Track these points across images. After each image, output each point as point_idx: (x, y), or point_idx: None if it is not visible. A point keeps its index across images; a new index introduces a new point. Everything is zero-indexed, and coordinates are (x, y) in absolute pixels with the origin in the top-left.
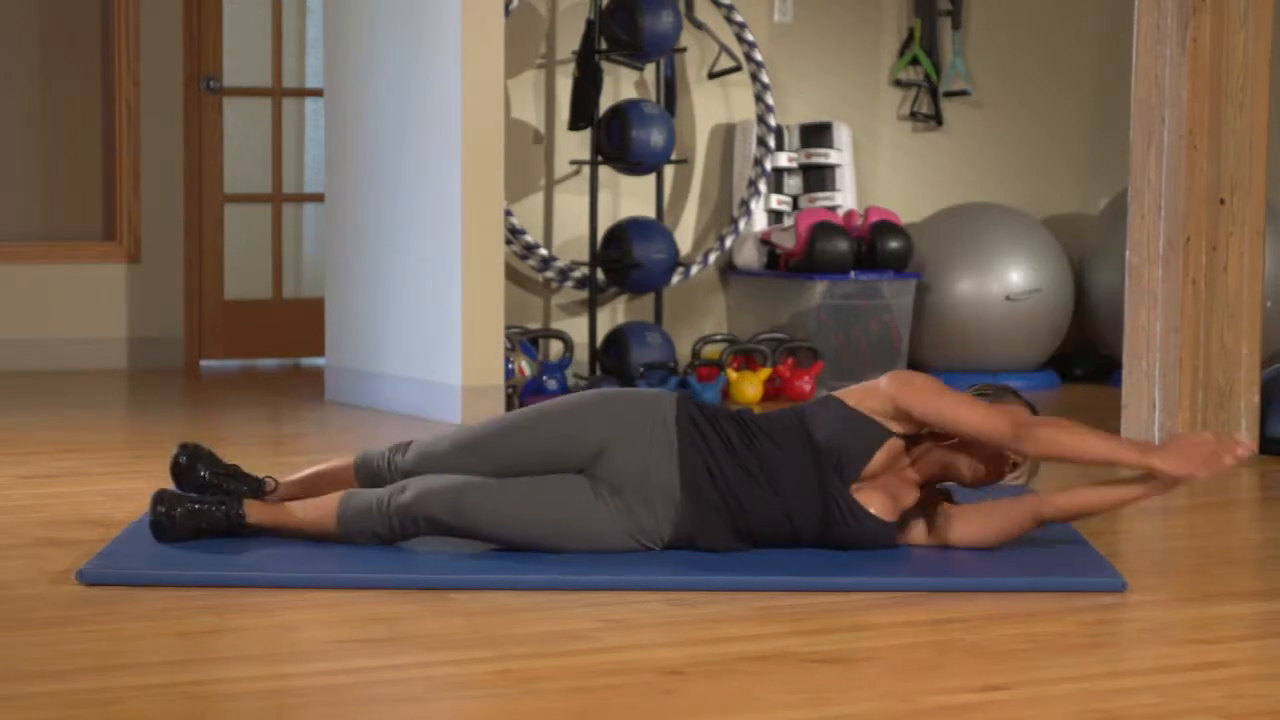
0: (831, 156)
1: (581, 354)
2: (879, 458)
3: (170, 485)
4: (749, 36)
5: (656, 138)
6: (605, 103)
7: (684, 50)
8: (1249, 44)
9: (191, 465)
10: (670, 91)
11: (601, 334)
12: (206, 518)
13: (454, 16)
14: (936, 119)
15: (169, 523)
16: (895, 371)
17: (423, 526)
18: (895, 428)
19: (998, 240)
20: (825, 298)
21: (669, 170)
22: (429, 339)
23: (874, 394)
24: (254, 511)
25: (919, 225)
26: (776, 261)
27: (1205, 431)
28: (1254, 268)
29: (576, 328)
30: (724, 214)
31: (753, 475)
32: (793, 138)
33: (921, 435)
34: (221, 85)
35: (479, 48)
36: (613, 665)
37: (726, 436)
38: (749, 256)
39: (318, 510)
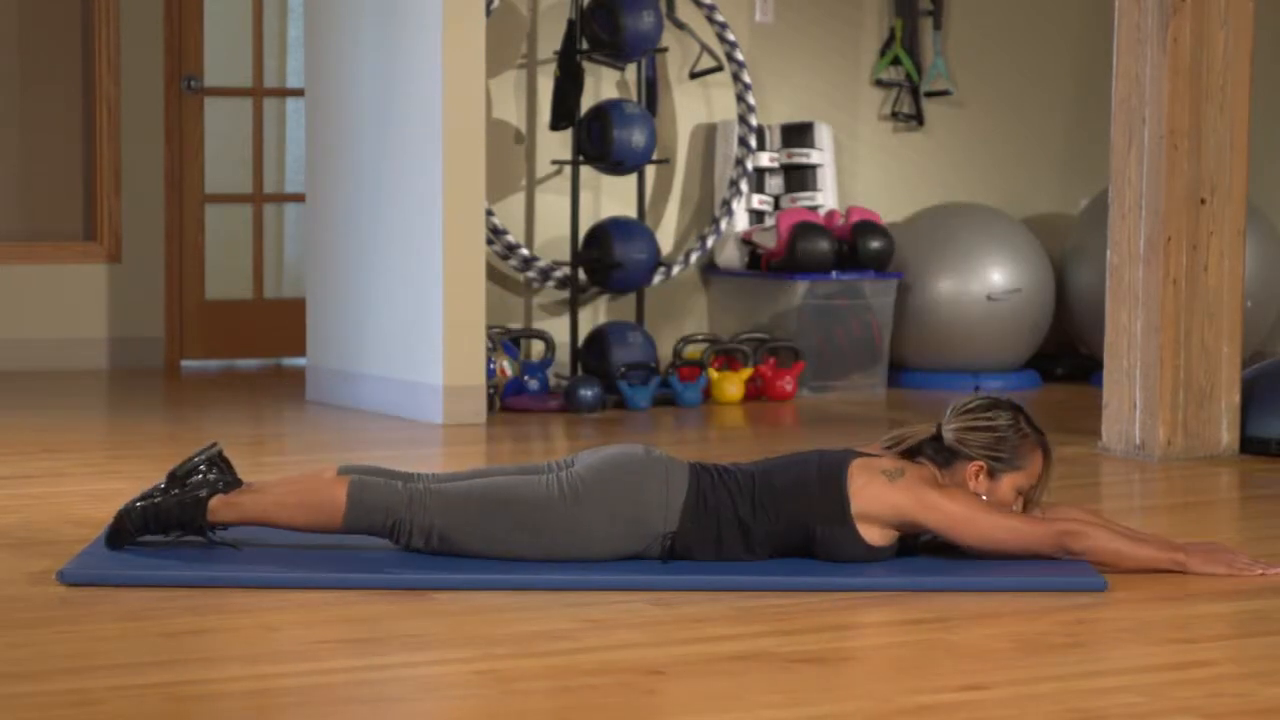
0: (813, 156)
1: (563, 354)
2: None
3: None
4: (730, 36)
5: (638, 138)
6: (586, 103)
7: (665, 50)
8: (1229, 44)
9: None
10: (651, 91)
11: (583, 334)
12: (162, 510)
13: (435, 16)
14: (918, 119)
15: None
16: (924, 495)
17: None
18: (883, 538)
19: (979, 240)
20: (806, 297)
21: (650, 170)
22: (410, 339)
23: (884, 501)
24: (219, 508)
25: (900, 225)
26: (758, 261)
27: (1242, 554)
28: (1234, 267)
29: (558, 327)
30: (705, 214)
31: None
32: (774, 138)
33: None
34: (202, 85)
35: (460, 48)
36: (594, 665)
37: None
38: (730, 256)
39: (310, 485)
